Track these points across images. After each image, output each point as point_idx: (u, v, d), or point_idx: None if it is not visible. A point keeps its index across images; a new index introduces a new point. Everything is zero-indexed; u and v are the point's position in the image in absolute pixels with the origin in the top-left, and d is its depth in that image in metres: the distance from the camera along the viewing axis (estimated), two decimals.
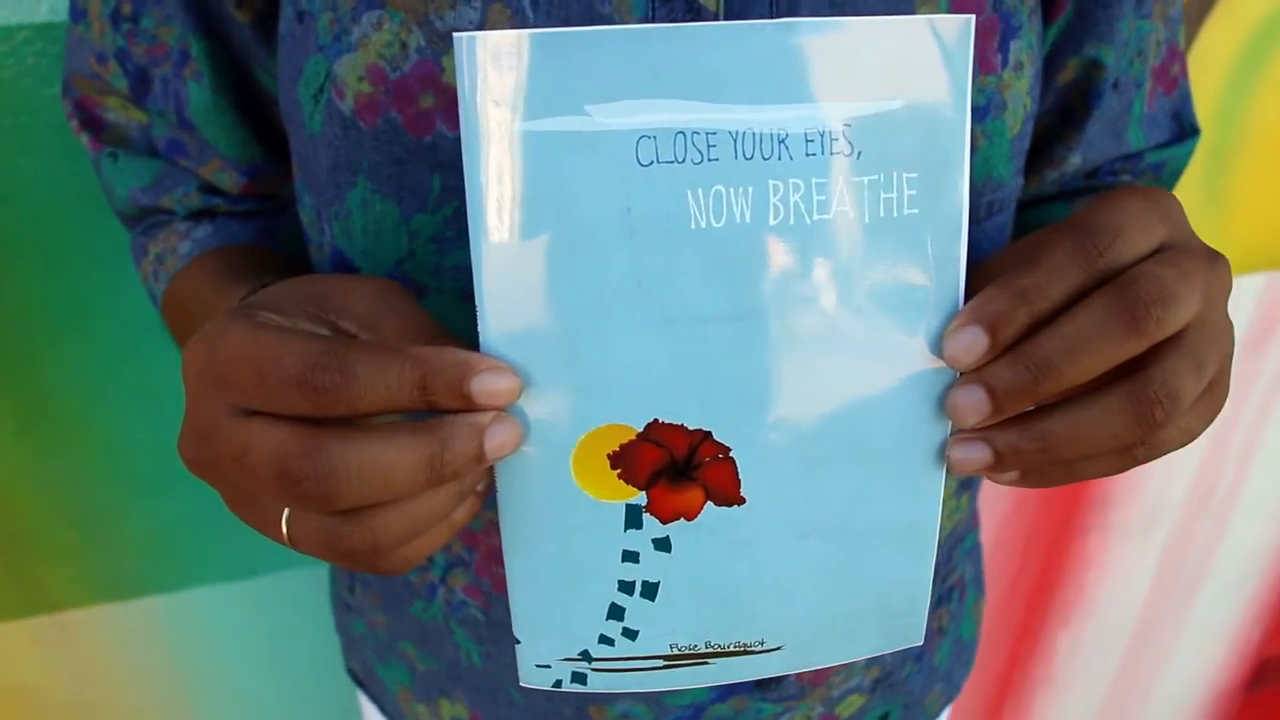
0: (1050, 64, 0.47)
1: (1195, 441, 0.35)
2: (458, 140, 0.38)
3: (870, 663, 0.52)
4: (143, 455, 0.70)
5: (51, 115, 0.58)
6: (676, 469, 0.33)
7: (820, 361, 0.32)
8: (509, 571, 0.35)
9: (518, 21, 0.37)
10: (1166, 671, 1.27)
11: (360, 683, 0.60)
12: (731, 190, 0.30)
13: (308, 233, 0.46)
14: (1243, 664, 1.32)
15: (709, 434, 0.33)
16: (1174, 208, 0.33)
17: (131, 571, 0.74)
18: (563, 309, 0.31)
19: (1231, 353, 0.34)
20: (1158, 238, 0.32)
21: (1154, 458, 0.33)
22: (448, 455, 0.30)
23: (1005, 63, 0.41)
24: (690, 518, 0.34)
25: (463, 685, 0.51)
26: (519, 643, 0.36)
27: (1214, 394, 0.34)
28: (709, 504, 0.34)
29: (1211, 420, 0.34)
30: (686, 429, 0.33)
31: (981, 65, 0.40)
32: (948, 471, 0.34)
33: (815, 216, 0.31)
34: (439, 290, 0.41)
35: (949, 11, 0.39)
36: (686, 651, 0.36)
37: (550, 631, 0.35)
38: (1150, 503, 1.09)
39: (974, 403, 0.31)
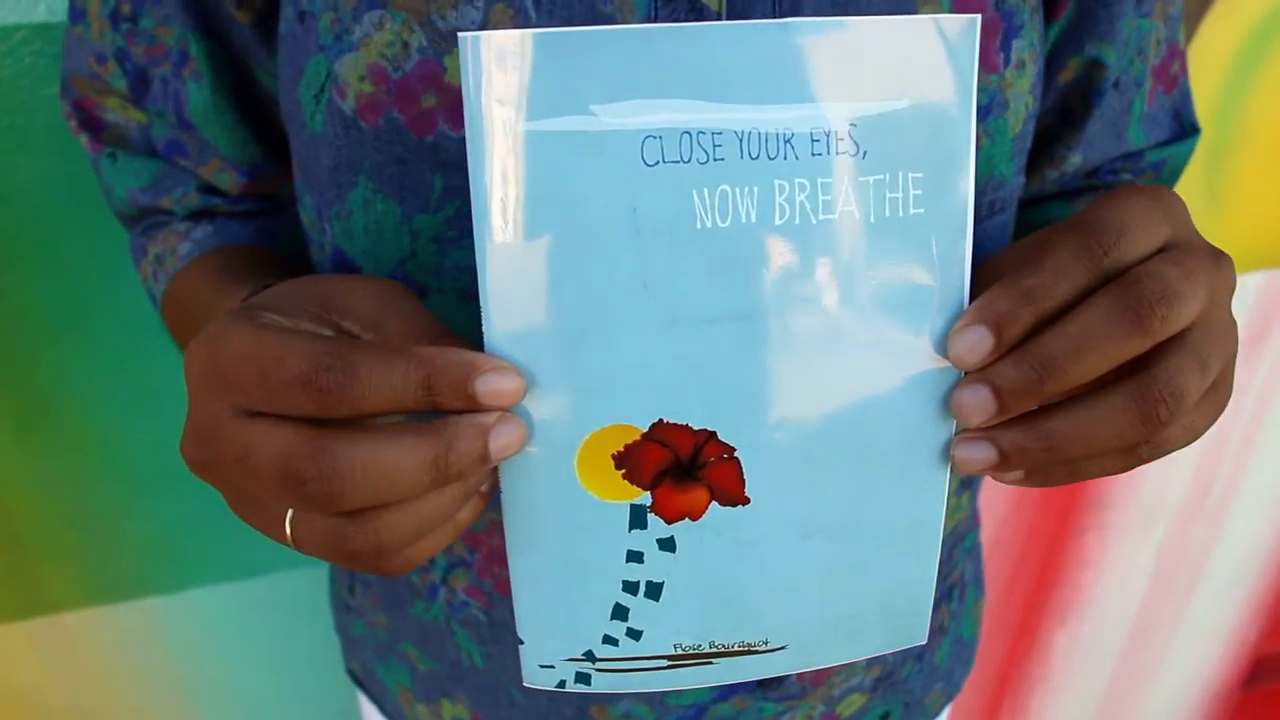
0: (1051, 63, 0.47)
1: None
2: (460, 140, 0.38)
3: (871, 662, 0.52)
4: (141, 456, 0.70)
5: (49, 115, 0.58)
6: (681, 469, 0.33)
7: (825, 361, 0.32)
8: (513, 572, 0.34)
9: (520, 21, 0.37)
10: (1163, 670, 1.27)
11: (360, 683, 0.60)
12: (737, 190, 0.30)
13: (309, 233, 0.45)
14: (1239, 662, 1.32)
15: (714, 434, 0.33)
16: (1177, 206, 0.33)
17: (130, 572, 0.74)
18: (567, 309, 0.31)
19: (1235, 351, 0.34)
20: (1162, 236, 0.32)
21: (1158, 457, 0.33)
22: (452, 456, 0.29)
23: (1007, 62, 0.41)
24: (695, 518, 0.34)
25: (464, 686, 0.51)
26: (523, 643, 0.36)
27: (1218, 393, 0.34)
28: (714, 504, 0.34)
29: (1215, 419, 0.34)
30: (691, 429, 0.32)
31: (984, 64, 0.40)
32: (952, 471, 0.34)
33: (821, 216, 0.31)
34: (440, 290, 0.41)
35: (951, 11, 0.39)
36: (691, 651, 0.36)
37: (554, 632, 0.35)
38: (1147, 502, 1.09)
39: (979, 402, 0.31)
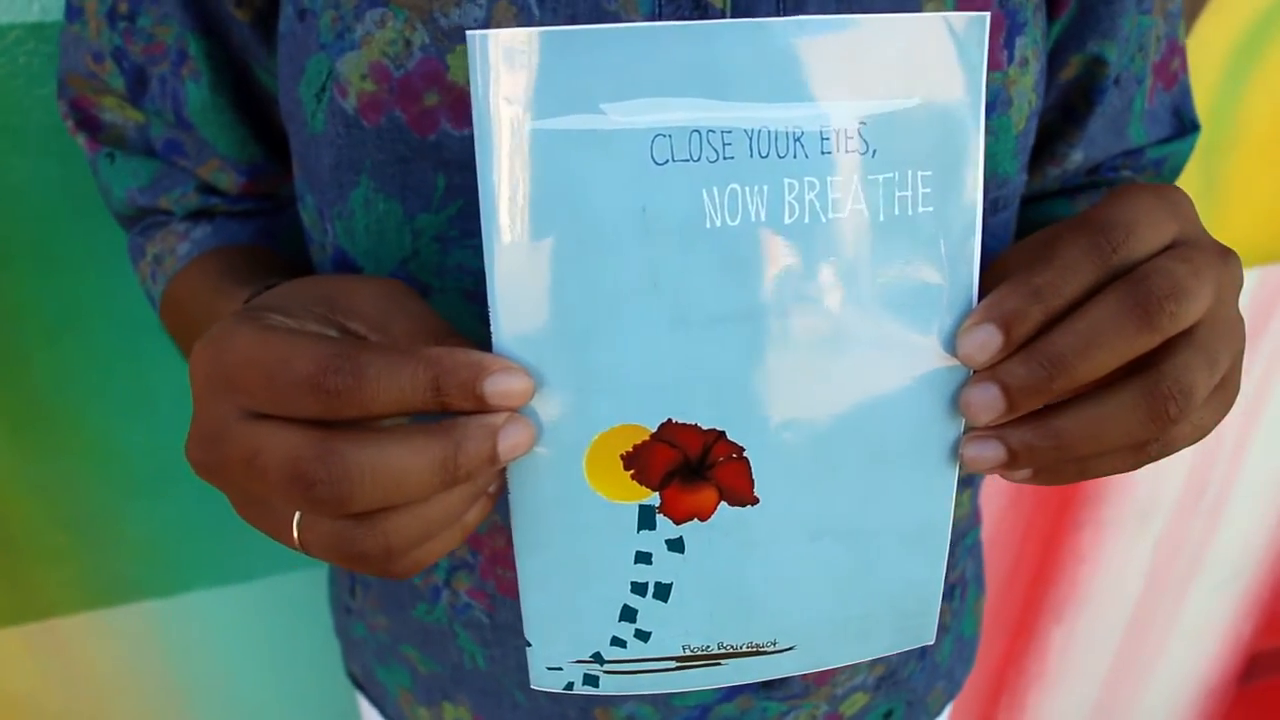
0: (1053, 60, 0.47)
1: None
2: (462, 138, 0.38)
3: (874, 661, 0.52)
4: (138, 458, 0.69)
5: (44, 115, 0.58)
6: (690, 469, 0.33)
7: (834, 360, 0.32)
8: (521, 573, 0.34)
9: (524, 18, 0.36)
10: (1160, 666, 1.28)
11: (360, 686, 0.59)
12: (747, 189, 0.30)
13: (310, 232, 0.45)
14: (1235, 658, 1.32)
15: (722, 434, 0.33)
16: (1184, 203, 0.33)
17: (126, 576, 0.74)
18: (576, 308, 0.31)
19: (1243, 348, 0.34)
20: (1169, 233, 0.32)
21: (1167, 454, 0.33)
22: (461, 457, 0.29)
23: (1011, 59, 0.41)
24: (704, 518, 0.34)
25: (466, 688, 0.51)
26: (530, 645, 0.35)
27: (1226, 389, 0.34)
28: (722, 504, 0.33)
29: (1223, 416, 0.34)
30: (700, 429, 0.32)
31: (987, 61, 0.40)
32: (960, 470, 0.34)
33: (830, 215, 0.31)
34: (443, 290, 0.41)
35: (955, 8, 0.39)
36: (699, 653, 0.36)
37: (562, 633, 0.35)
38: (1144, 498, 1.09)
39: (988, 400, 0.31)
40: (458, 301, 0.41)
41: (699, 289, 0.31)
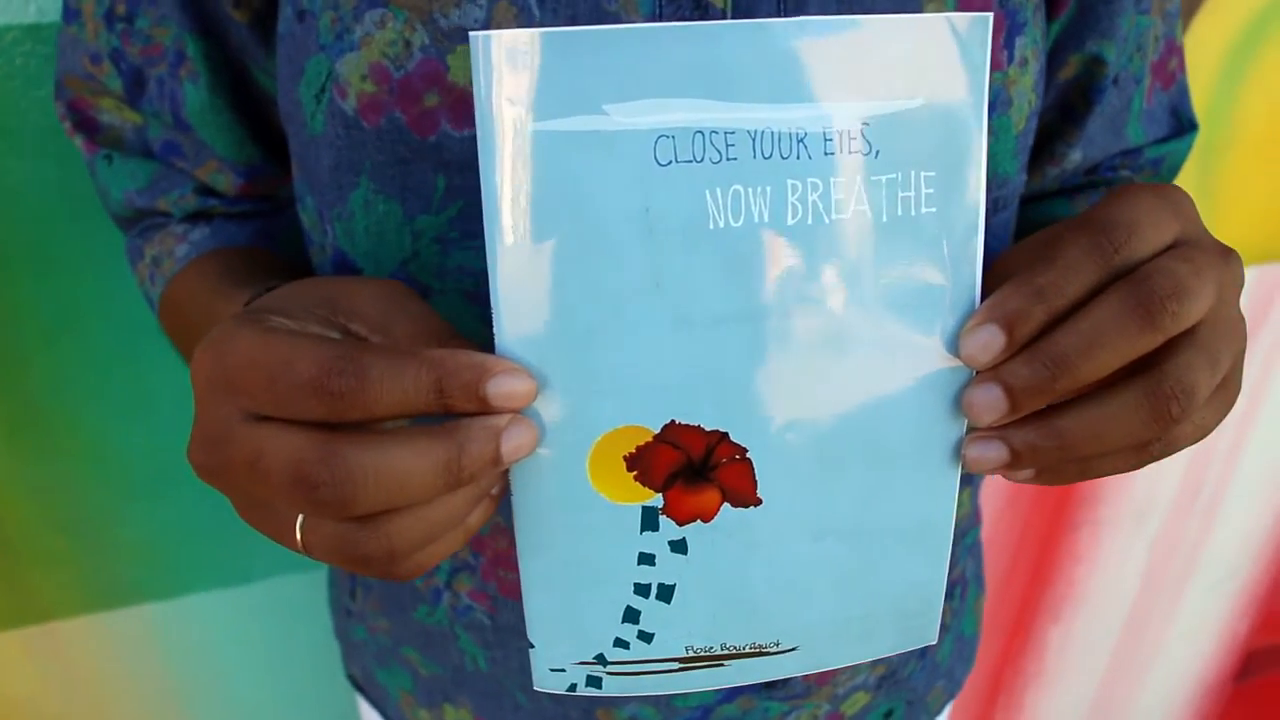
0: (1052, 60, 0.47)
1: None
2: (463, 139, 0.38)
3: (875, 660, 0.52)
4: (136, 460, 0.69)
5: (40, 117, 0.58)
6: (693, 470, 0.33)
7: (836, 361, 0.32)
8: (523, 575, 0.34)
9: (524, 19, 0.36)
10: (1156, 664, 1.28)
11: (360, 688, 0.59)
12: (750, 190, 0.30)
13: (309, 234, 0.45)
14: (1231, 656, 1.33)
15: (726, 435, 0.32)
16: (1186, 203, 0.33)
17: (124, 579, 0.73)
18: (579, 309, 0.30)
19: (1244, 348, 0.34)
20: (1171, 233, 0.32)
21: (1169, 454, 0.33)
22: (465, 459, 0.29)
23: (1011, 59, 0.41)
24: (707, 519, 0.34)
25: (467, 690, 0.51)
26: (533, 646, 0.35)
27: (1227, 389, 0.34)
28: (726, 505, 0.33)
29: (1225, 415, 0.34)
30: (703, 430, 0.32)
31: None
32: (963, 471, 0.34)
33: (833, 216, 0.31)
34: (443, 291, 0.41)
35: (956, 8, 0.39)
36: (702, 654, 0.36)
37: (565, 635, 0.35)
38: (1140, 498, 1.09)
39: (991, 401, 0.31)
40: (458, 303, 0.41)
41: (702, 290, 0.31)
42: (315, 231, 0.44)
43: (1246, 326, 0.34)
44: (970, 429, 0.33)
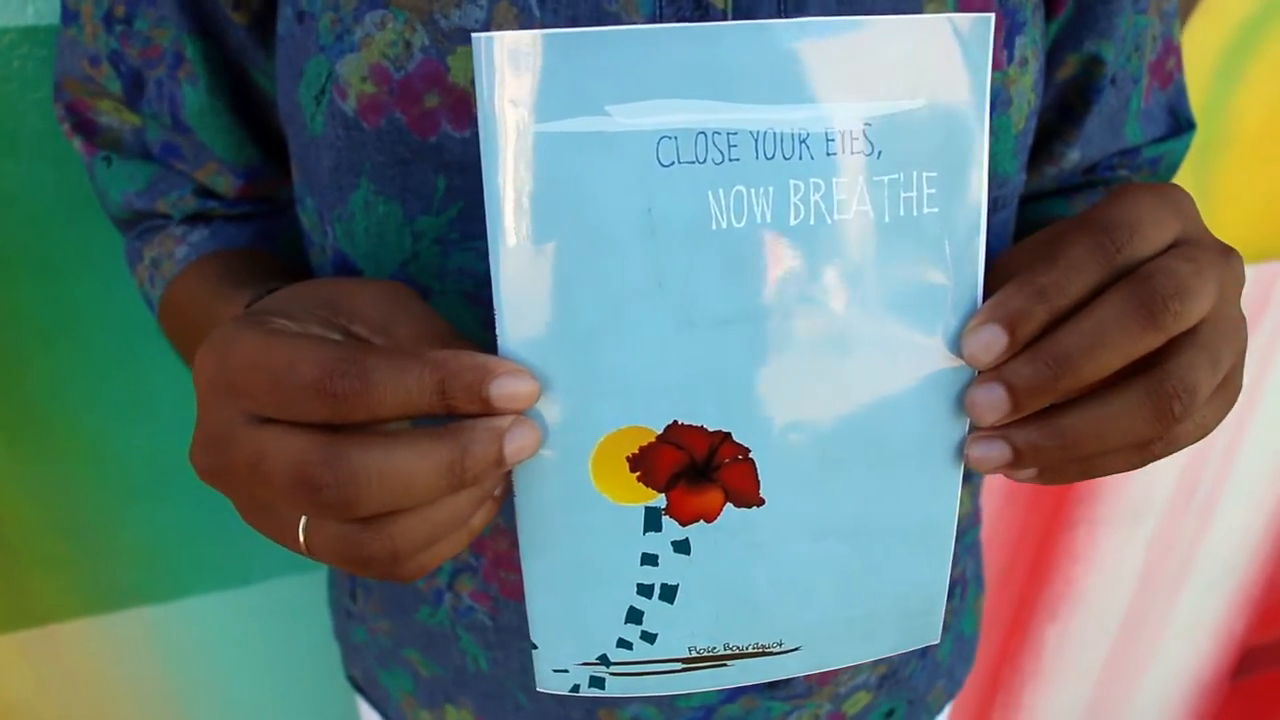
0: (1050, 60, 0.47)
1: None
2: (463, 140, 0.38)
3: (877, 660, 0.52)
4: (135, 463, 0.69)
5: (38, 119, 0.57)
6: (696, 471, 0.33)
7: (839, 361, 0.32)
8: (526, 575, 0.34)
9: (525, 20, 0.36)
10: (1153, 663, 1.28)
11: (361, 689, 0.59)
12: (752, 190, 0.30)
13: (309, 235, 0.45)
14: (1227, 654, 1.33)
15: (728, 435, 0.33)
16: (1186, 203, 0.33)
17: (123, 581, 0.73)
18: (582, 311, 0.31)
19: (1245, 347, 0.34)
20: (1172, 232, 0.32)
21: (1170, 453, 0.33)
22: (468, 460, 0.29)
23: (1011, 58, 0.41)
24: (710, 519, 0.34)
25: (469, 691, 0.51)
26: (536, 648, 0.35)
27: (1228, 388, 0.34)
28: (728, 505, 0.33)
29: (1226, 414, 0.34)
30: (706, 430, 0.32)
31: None
32: (965, 470, 0.34)
33: (835, 216, 0.31)
34: (443, 293, 0.41)
35: (956, 9, 0.39)
36: (705, 654, 0.36)
37: (568, 636, 0.35)
38: (1137, 496, 1.10)
39: (993, 400, 0.31)
40: (458, 304, 0.41)
41: (704, 291, 0.31)
42: (315, 233, 0.44)
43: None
44: (972, 428, 0.33)
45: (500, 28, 0.36)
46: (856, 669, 0.51)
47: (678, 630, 0.35)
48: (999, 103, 0.41)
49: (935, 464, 0.34)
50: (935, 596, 0.37)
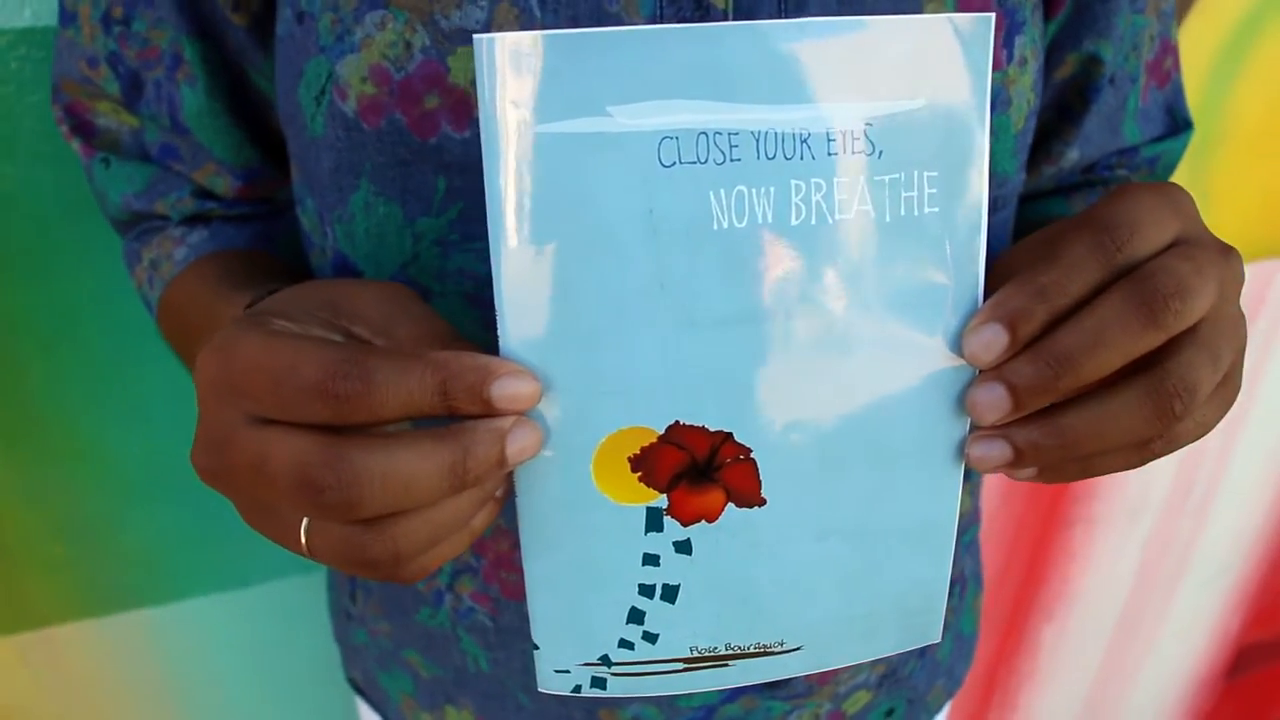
0: (1048, 59, 0.47)
1: None
2: (463, 141, 0.38)
3: (876, 659, 0.52)
4: (133, 465, 0.69)
5: (35, 121, 0.57)
6: (698, 471, 0.33)
7: (840, 361, 0.32)
8: (528, 576, 0.34)
9: (525, 20, 0.36)
10: (1149, 661, 1.28)
11: (361, 691, 0.59)
12: (753, 190, 0.30)
13: (310, 236, 0.45)
14: (1223, 652, 1.33)
15: (730, 435, 0.33)
16: (1186, 202, 0.33)
17: (122, 584, 0.73)
18: (584, 311, 0.31)
19: (1244, 345, 0.34)
20: (1172, 232, 0.32)
21: (1170, 451, 0.34)
22: (470, 461, 0.29)
23: (1010, 58, 0.41)
24: (711, 519, 0.34)
25: (469, 692, 0.50)
26: (537, 648, 0.35)
27: (1228, 386, 0.34)
28: (730, 505, 0.33)
29: (1225, 412, 0.34)
30: (708, 430, 0.32)
31: None
32: (966, 469, 0.35)
33: (837, 216, 0.31)
34: (443, 294, 0.41)
35: (956, 9, 0.39)
36: (706, 654, 0.36)
37: (569, 636, 0.35)
38: (1133, 495, 1.10)
39: (994, 400, 0.31)
40: (458, 305, 0.41)
41: (706, 291, 0.31)
42: (315, 234, 0.44)
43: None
44: (973, 428, 0.33)
45: (501, 28, 0.36)
46: (856, 668, 0.51)
47: (679, 630, 0.35)
48: (999, 102, 0.41)
49: (936, 463, 0.34)
50: (936, 595, 0.37)
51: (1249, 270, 0.96)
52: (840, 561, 0.35)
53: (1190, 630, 1.28)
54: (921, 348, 0.33)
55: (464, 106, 0.37)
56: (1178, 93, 0.53)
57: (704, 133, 0.29)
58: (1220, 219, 0.93)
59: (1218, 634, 1.31)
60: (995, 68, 0.41)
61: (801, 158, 0.30)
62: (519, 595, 0.46)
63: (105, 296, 0.63)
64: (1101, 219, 0.31)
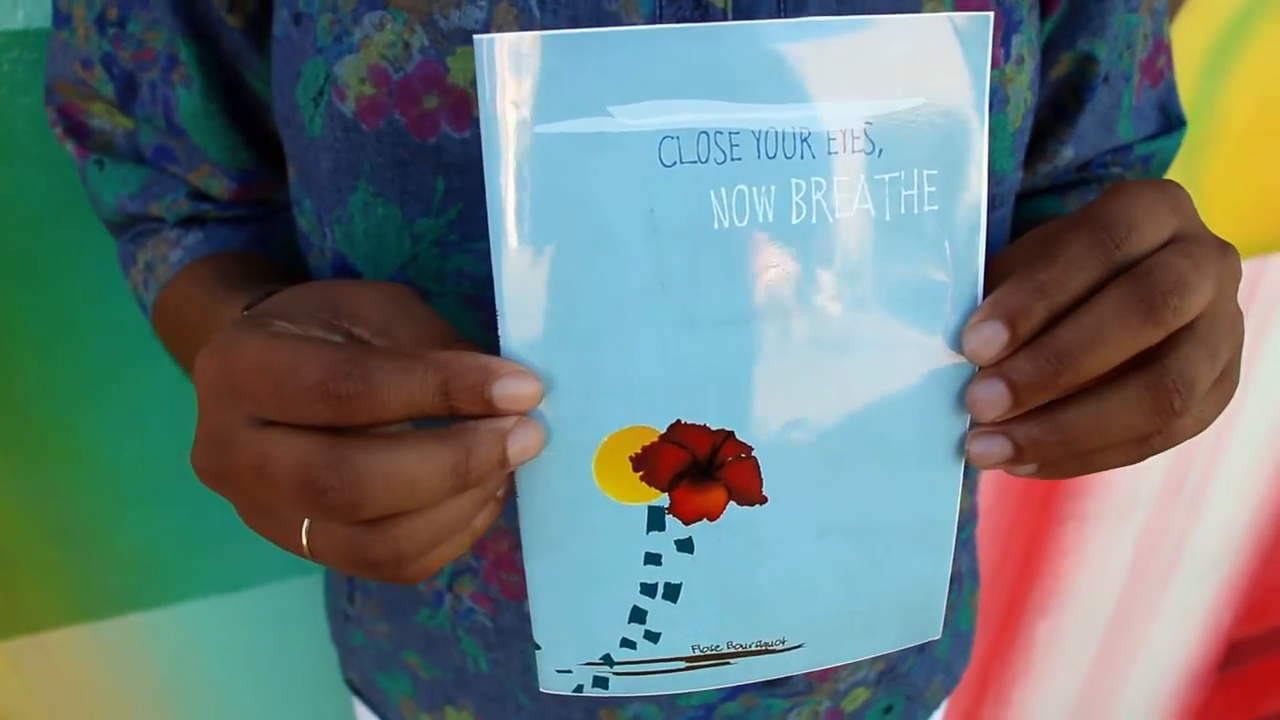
0: (1044, 58, 0.47)
1: None
2: (463, 142, 0.37)
3: (875, 656, 0.52)
4: (128, 468, 0.68)
5: (28, 123, 0.57)
6: (699, 469, 0.33)
7: (841, 359, 0.32)
8: (529, 576, 0.34)
9: (524, 20, 0.36)
10: (1142, 656, 1.29)
11: (359, 692, 0.59)
12: (754, 189, 0.30)
13: (308, 237, 0.45)
14: (1215, 646, 1.34)
15: (731, 434, 0.33)
16: (1183, 199, 0.34)
17: (116, 588, 0.73)
18: (585, 311, 0.31)
19: (1242, 341, 0.34)
20: (1170, 228, 0.32)
21: (1169, 447, 0.34)
22: (472, 462, 0.29)
23: (1007, 57, 0.41)
24: (713, 518, 0.34)
25: (469, 693, 0.50)
26: (539, 648, 0.35)
27: (1226, 382, 0.34)
28: (731, 504, 0.34)
29: (1224, 408, 0.35)
30: (709, 429, 0.32)
31: None
32: (965, 466, 0.35)
33: (837, 215, 0.31)
34: (442, 295, 0.41)
35: (954, 8, 0.39)
36: (708, 652, 0.36)
37: (571, 636, 0.35)
38: (1125, 491, 1.10)
39: (994, 396, 0.32)
40: (457, 307, 0.41)
41: (706, 290, 0.31)
42: (314, 235, 0.44)
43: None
44: (973, 424, 0.34)
45: (500, 28, 0.36)
46: (855, 665, 0.51)
47: (681, 629, 0.35)
48: (996, 101, 0.41)
49: (936, 460, 0.34)
50: (936, 592, 0.37)
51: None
52: (841, 559, 0.35)
53: (1182, 625, 1.28)
54: (921, 345, 0.33)
55: (463, 106, 0.37)
56: (1171, 91, 0.53)
57: (704, 132, 0.29)
58: (1211, 216, 0.92)
59: (1210, 628, 1.31)
60: (993, 66, 0.41)
61: (802, 157, 0.30)
62: (519, 596, 0.46)
63: (100, 299, 0.62)
64: (1100, 216, 0.31)
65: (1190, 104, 0.84)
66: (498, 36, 0.28)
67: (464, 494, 0.31)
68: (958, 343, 0.33)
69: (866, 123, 0.30)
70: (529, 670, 0.48)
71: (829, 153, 0.30)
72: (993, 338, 0.31)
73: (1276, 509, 1.22)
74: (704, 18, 0.37)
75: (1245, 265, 0.97)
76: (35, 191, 0.59)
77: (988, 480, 1.01)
